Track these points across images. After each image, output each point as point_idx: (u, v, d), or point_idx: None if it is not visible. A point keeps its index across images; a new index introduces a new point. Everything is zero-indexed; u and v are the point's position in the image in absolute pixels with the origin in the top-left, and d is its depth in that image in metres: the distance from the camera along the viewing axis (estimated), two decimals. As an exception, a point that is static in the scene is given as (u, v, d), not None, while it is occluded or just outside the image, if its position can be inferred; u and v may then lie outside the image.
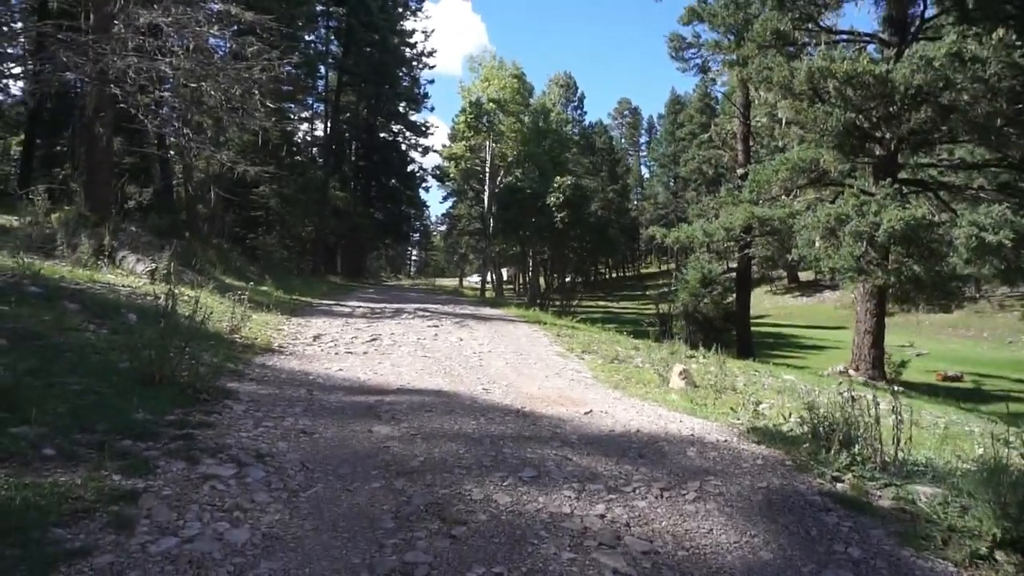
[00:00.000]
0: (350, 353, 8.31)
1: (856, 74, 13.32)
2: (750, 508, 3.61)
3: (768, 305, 45.07)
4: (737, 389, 8.75)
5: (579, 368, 8.86)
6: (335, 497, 3.42)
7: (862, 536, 3.35)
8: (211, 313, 6.81)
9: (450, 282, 63.51)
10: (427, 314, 14.38)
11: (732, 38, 17.19)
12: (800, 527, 3.41)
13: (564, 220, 30.17)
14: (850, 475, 4.06)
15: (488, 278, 42.98)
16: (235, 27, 13.97)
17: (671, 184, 70.66)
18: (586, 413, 5.71)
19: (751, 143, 25.64)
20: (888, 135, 15.14)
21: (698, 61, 23.22)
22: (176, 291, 5.71)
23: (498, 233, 36.31)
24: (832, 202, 15.09)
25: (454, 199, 50.81)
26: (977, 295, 35.17)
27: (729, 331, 22.44)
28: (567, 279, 39.54)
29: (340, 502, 3.37)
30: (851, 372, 17.58)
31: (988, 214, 12.48)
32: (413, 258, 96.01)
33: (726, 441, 4.86)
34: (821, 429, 4.62)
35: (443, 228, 68.42)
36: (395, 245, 60.13)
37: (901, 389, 15.85)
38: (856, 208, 13.46)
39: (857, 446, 4.29)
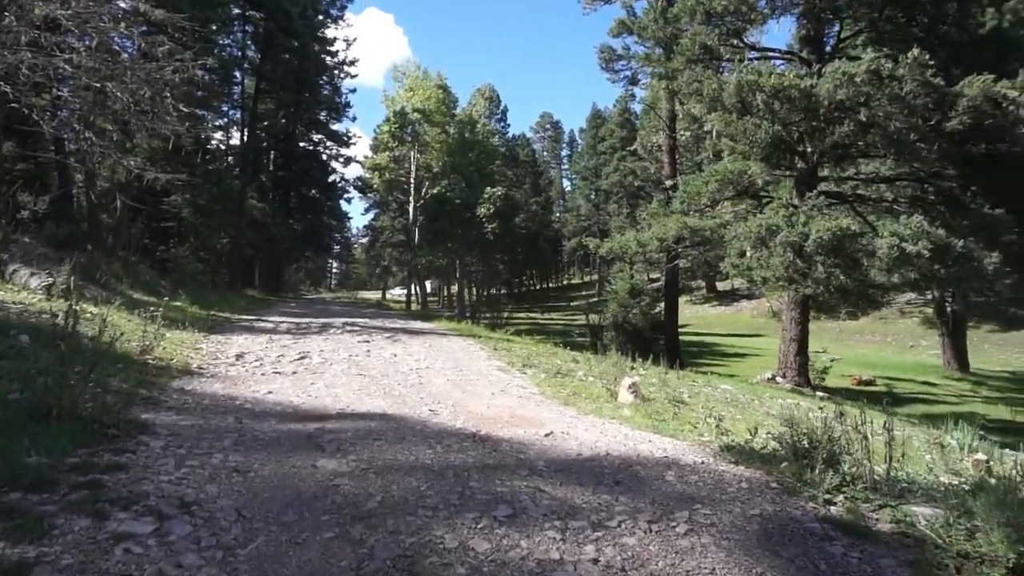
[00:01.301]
0: (278, 373, 7.63)
1: (783, 88, 13.62)
2: (748, 541, 3.29)
3: (688, 315, 46.10)
4: (686, 402, 8.59)
5: (524, 384, 8.48)
6: (281, 554, 2.86)
7: (874, 569, 3.07)
8: (121, 333, 6.01)
9: (372, 295, 62.24)
10: (356, 328, 13.71)
11: (661, 51, 17.37)
12: (807, 561, 3.11)
13: (495, 231, 29.91)
14: (841, 497, 3.80)
15: (413, 290, 42.14)
16: (143, 26, 12.96)
17: (592, 196, 71.63)
18: (547, 435, 5.30)
19: (676, 155, 26.10)
20: (811, 149, 15.59)
21: (627, 73, 23.48)
22: (77, 308, 4.97)
23: (424, 244, 35.63)
24: (761, 212, 15.37)
25: (376, 211, 49.72)
26: (884, 302, 37.17)
27: (657, 341, 22.57)
28: (494, 291, 39.30)
29: (288, 560, 2.81)
30: (778, 379, 17.97)
31: (908, 225, 12.93)
32: (334, 271, 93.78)
33: (703, 463, 4.56)
34: (799, 446, 4.40)
35: (365, 240, 67.01)
36: (315, 257, 58.45)
37: (826, 395, 16.32)
38: (786, 219, 13.73)
39: (845, 464, 4.06)
